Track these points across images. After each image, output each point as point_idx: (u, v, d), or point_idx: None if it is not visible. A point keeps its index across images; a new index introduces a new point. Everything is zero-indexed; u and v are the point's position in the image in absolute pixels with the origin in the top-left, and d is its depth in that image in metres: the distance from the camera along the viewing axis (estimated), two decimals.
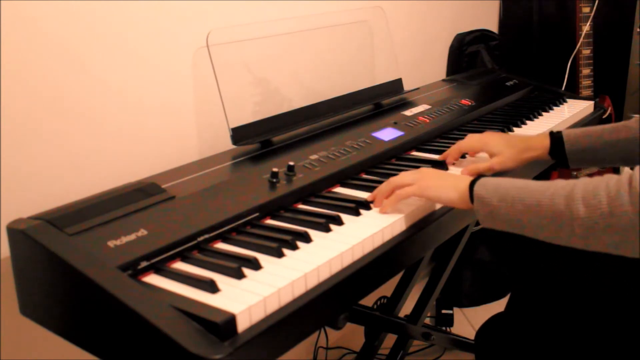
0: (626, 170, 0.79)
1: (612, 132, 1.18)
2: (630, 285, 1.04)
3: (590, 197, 0.79)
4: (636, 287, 1.03)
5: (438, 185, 0.99)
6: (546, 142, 1.22)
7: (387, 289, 1.45)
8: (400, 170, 1.19)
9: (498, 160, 1.20)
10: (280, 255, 0.86)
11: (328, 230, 0.95)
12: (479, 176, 0.96)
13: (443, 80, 1.90)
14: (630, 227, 0.76)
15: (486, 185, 0.93)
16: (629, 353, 0.99)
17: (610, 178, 0.80)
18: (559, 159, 1.22)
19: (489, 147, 1.22)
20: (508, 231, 0.91)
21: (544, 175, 2.09)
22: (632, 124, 1.17)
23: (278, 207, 1.03)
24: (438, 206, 1.07)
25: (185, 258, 0.87)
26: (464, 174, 1.18)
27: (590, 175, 2.14)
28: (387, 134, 1.34)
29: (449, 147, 1.33)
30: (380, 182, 1.12)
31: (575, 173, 2.13)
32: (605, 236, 0.78)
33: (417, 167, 1.20)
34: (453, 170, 1.24)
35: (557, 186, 0.84)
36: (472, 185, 0.94)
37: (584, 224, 0.79)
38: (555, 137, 1.22)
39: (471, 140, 1.24)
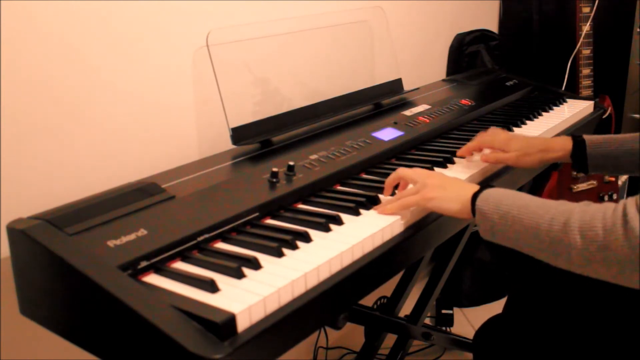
0: (621, 201, 0.79)
1: (633, 140, 1.18)
2: (628, 288, 1.04)
3: (586, 227, 0.79)
4: (634, 290, 1.03)
5: (441, 196, 0.99)
6: (568, 144, 1.23)
7: (387, 289, 1.45)
8: None
9: (515, 156, 1.23)
10: (280, 255, 0.86)
11: (328, 230, 0.95)
12: (481, 188, 0.96)
13: (443, 80, 1.90)
14: (627, 260, 0.76)
15: (488, 200, 0.92)
16: (627, 355, 0.99)
17: (607, 208, 0.79)
18: (579, 162, 1.23)
19: (509, 147, 1.24)
20: (506, 246, 0.92)
21: (543, 176, 2.09)
22: None
23: (278, 207, 1.03)
24: None
25: (185, 258, 0.87)
26: (482, 159, 1.25)
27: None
28: (387, 134, 1.34)
29: (449, 147, 1.34)
30: (381, 182, 1.12)
31: (574, 174, 2.13)
32: (602, 268, 0.78)
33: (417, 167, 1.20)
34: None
35: (557, 210, 0.84)
36: (474, 198, 0.94)
37: (580, 255, 0.80)
38: (578, 140, 1.23)
39: (494, 139, 1.26)
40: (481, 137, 1.28)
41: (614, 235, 0.76)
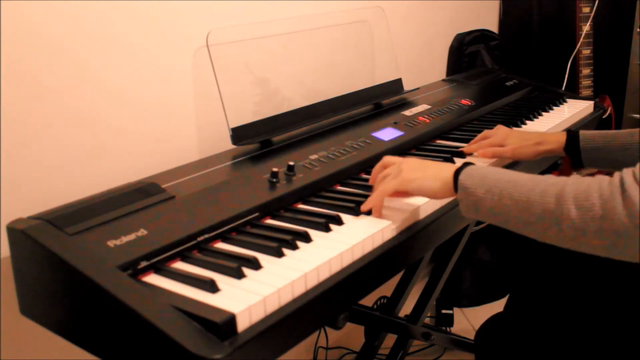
0: (617, 173, 0.78)
1: (627, 135, 1.20)
2: (630, 286, 1.04)
3: (582, 198, 0.77)
4: (635, 288, 1.03)
5: (419, 177, 0.98)
6: (562, 137, 1.26)
7: (387, 289, 1.45)
8: None
9: (512, 149, 1.26)
10: (280, 255, 0.86)
11: (328, 230, 0.95)
12: (464, 164, 0.95)
13: (443, 80, 1.90)
14: (623, 232, 0.74)
15: (472, 174, 0.91)
16: (628, 354, 0.99)
17: (602, 180, 0.78)
18: (573, 155, 1.25)
19: (507, 141, 1.28)
20: (489, 222, 0.90)
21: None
22: None
23: (278, 207, 1.03)
24: (434, 208, 1.07)
25: (185, 258, 0.87)
26: (480, 155, 1.28)
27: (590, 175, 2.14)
28: (387, 134, 1.34)
29: (449, 147, 1.34)
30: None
31: (574, 174, 2.13)
32: (596, 239, 0.76)
33: None
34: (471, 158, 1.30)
35: (547, 183, 0.82)
36: (457, 173, 0.93)
37: (574, 226, 0.77)
38: (571, 134, 1.26)
39: (495, 134, 1.31)
40: (484, 133, 1.33)
41: (611, 204, 0.75)
